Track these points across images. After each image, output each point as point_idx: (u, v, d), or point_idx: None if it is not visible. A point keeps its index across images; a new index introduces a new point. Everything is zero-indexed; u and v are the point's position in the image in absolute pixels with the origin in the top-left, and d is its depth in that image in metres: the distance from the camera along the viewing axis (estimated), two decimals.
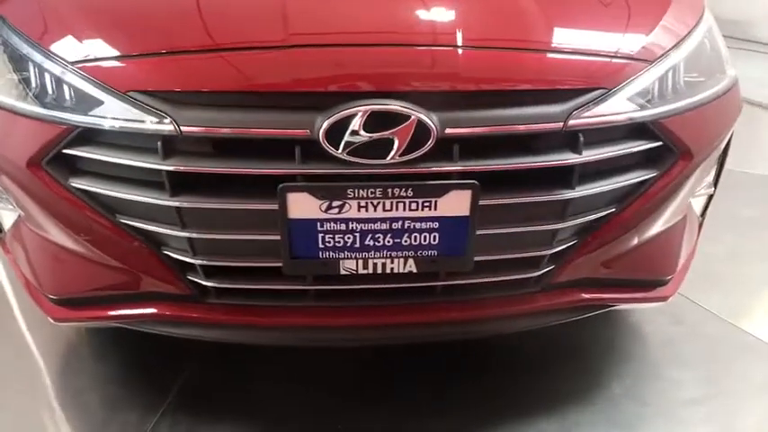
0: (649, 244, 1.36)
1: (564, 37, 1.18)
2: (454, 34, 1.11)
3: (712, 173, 1.53)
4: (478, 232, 1.13)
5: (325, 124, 1.03)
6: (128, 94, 1.07)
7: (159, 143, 1.07)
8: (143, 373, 1.55)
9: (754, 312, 1.83)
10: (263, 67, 1.08)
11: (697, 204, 1.54)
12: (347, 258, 1.12)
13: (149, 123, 1.06)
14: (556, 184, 1.14)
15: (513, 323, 1.32)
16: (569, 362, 1.60)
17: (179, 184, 1.09)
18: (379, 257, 1.13)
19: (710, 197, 1.60)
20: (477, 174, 1.08)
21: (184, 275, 1.20)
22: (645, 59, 1.20)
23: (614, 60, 1.18)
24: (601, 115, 1.14)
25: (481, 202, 1.10)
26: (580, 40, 1.19)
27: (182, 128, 1.05)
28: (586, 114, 1.13)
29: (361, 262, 1.13)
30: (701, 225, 1.66)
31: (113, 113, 1.08)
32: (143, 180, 1.12)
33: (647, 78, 1.19)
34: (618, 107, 1.16)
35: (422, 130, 1.05)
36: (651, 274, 1.41)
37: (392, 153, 1.05)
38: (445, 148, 1.07)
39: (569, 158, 1.12)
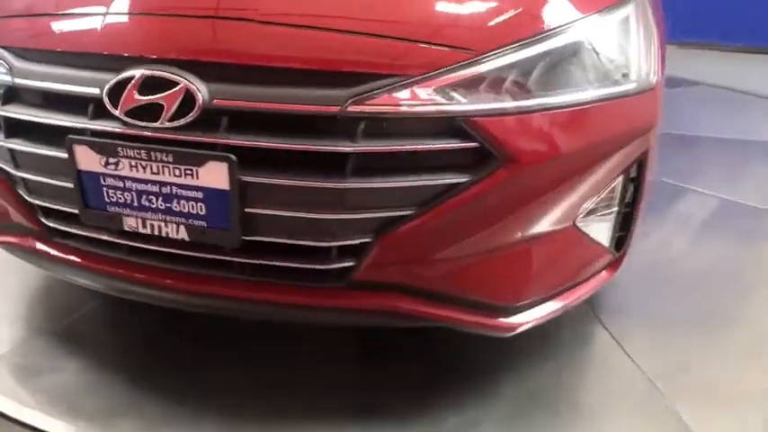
0: (486, 262, 1.22)
1: (367, 16, 1.12)
2: (238, 8, 1.11)
3: (616, 195, 1.32)
4: (250, 210, 1.12)
5: (109, 84, 1.10)
6: None
7: (1, 91, 1.23)
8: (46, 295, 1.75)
9: (693, 386, 1.49)
10: (69, 31, 1.20)
11: (598, 231, 1.34)
12: (128, 216, 1.18)
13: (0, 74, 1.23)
14: (330, 172, 1.08)
15: (315, 315, 1.26)
16: (426, 380, 1.47)
17: (12, 128, 1.23)
18: (155, 220, 1.17)
19: (624, 227, 1.38)
20: (243, 149, 1.07)
21: (35, 213, 1.35)
22: (470, 49, 1.09)
23: (421, 46, 1.09)
24: (391, 105, 1.06)
25: (250, 179, 1.09)
26: (385, 20, 1.11)
27: (15, 79, 1.20)
28: (373, 102, 1.06)
29: (140, 221, 1.18)
30: (619, 260, 1.43)
31: None
32: None
33: (469, 71, 1.08)
34: (418, 98, 1.06)
35: (190, 98, 1.07)
36: (487, 298, 1.25)
37: (161, 118, 1.09)
38: (214, 120, 1.08)
39: (341, 146, 1.06)
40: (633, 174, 1.31)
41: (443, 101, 1.07)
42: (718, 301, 1.80)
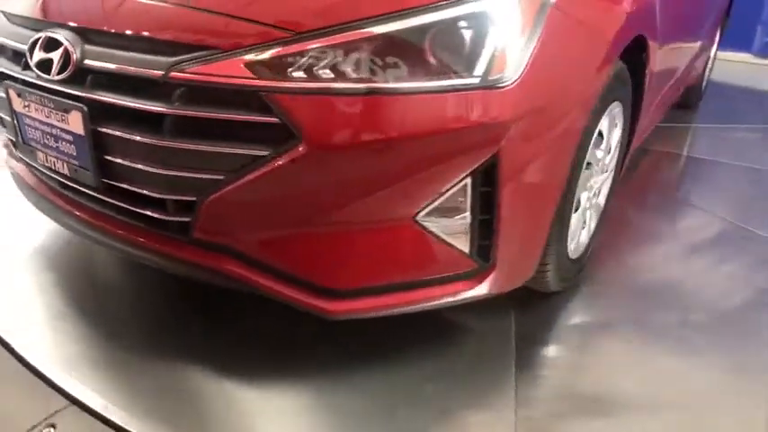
0: (308, 239, 1.26)
1: None
2: None
3: (466, 199, 1.25)
4: (104, 156, 1.30)
5: (29, 41, 1.37)
6: None
7: None
8: None
9: None
10: None
11: (450, 233, 1.28)
12: (39, 151, 1.44)
13: None
14: (155, 130, 1.21)
15: (167, 263, 1.39)
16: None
17: None
18: (52, 156, 1.41)
19: (487, 236, 1.29)
20: (96, 102, 1.26)
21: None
22: (286, 28, 1.14)
23: (238, 21, 1.18)
24: (203, 74, 1.16)
25: (100, 129, 1.27)
26: None
27: None
28: (189, 70, 1.17)
29: (45, 156, 1.43)
30: (487, 271, 1.34)
31: None
32: None
33: (279, 49, 1.14)
34: (227, 70, 1.15)
35: (68, 57, 1.29)
36: (308, 276, 1.28)
37: (52, 72, 1.32)
38: (84, 76, 1.29)
39: (158, 107, 1.19)
40: (484, 178, 1.23)
41: (250, 75, 1.14)
42: None
